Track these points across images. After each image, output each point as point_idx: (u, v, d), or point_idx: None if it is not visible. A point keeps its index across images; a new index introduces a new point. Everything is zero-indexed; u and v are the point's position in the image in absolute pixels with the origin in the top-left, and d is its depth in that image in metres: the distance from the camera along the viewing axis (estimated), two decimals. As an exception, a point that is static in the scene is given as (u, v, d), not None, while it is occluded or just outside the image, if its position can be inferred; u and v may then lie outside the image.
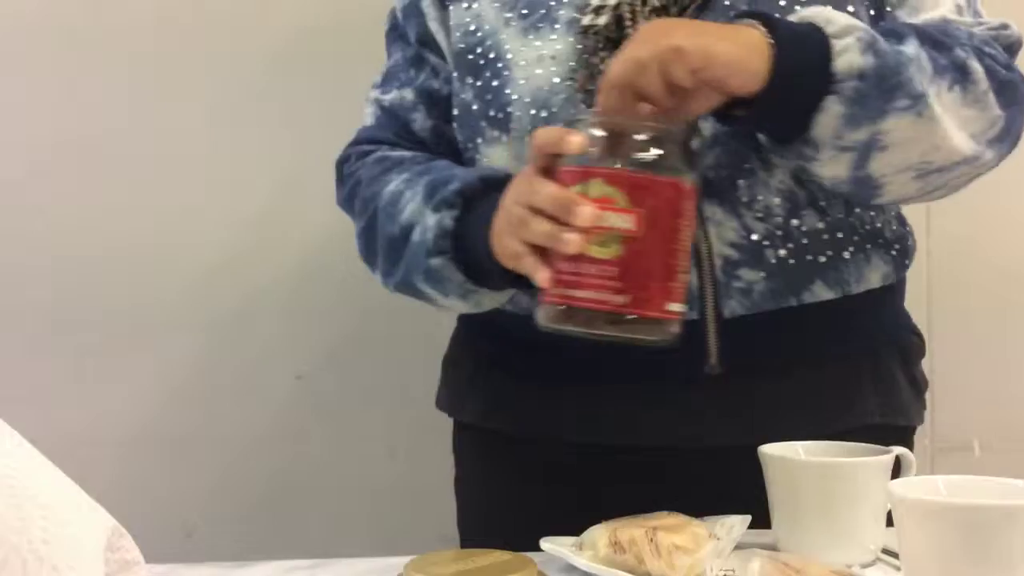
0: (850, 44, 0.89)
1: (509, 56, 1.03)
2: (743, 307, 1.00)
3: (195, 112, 1.54)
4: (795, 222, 1.00)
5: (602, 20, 0.99)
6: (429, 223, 1.00)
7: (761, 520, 0.92)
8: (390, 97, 1.14)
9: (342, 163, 1.16)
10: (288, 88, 1.54)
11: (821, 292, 1.01)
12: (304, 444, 1.57)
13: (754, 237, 0.99)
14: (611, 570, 0.85)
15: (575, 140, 0.85)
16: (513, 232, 0.89)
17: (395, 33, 1.15)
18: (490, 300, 1.03)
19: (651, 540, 0.85)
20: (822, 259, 1.01)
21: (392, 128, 1.14)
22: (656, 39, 0.86)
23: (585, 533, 0.91)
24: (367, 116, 1.16)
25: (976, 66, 0.94)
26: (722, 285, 0.99)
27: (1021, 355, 1.60)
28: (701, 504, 0.93)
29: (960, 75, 0.93)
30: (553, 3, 1.03)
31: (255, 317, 1.56)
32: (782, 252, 1.00)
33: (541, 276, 0.86)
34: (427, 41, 1.11)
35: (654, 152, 0.84)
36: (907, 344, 1.12)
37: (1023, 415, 1.58)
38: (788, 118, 0.92)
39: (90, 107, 1.53)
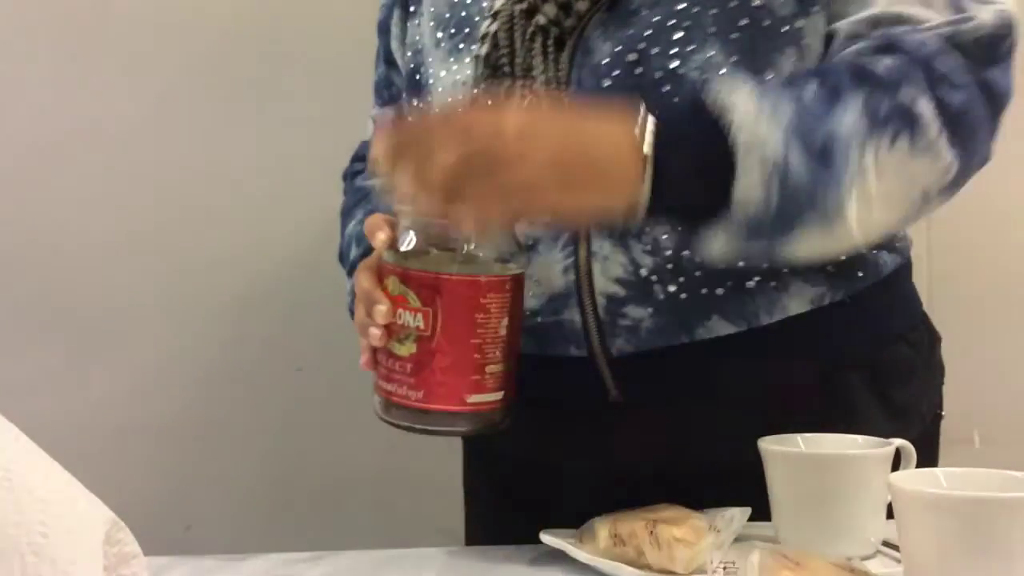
0: (751, 166, 0.79)
1: (431, 80, 1.01)
2: (631, 344, 0.95)
3: (194, 107, 1.54)
4: (686, 254, 0.92)
5: (484, 50, 0.96)
6: (348, 287, 1.03)
7: (761, 512, 0.92)
8: (374, 113, 1.16)
9: (343, 178, 1.19)
10: (290, 85, 1.54)
11: (719, 327, 0.94)
12: (304, 437, 1.57)
13: (642, 272, 0.94)
14: (611, 563, 0.85)
15: (380, 237, 0.85)
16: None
17: (377, 48, 1.15)
18: None
19: (651, 532, 0.84)
20: (719, 291, 0.94)
21: None
22: (513, 165, 0.76)
23: (585, 526, 0.91)
24: (368, 129, 1.18)
25: (924, 108, 0.83)
26: (606, 324, 0.96)
27: (1021, 348, 1.60)
28: None
29: (907, 121, 0.83)
30: (477, 19, 0.99)
31: (255, 310, 1.56)
32: (671, 287, 0.93)
33: (361, 360, 0.88)
34: (391, 61, 1.11)
35: (451, 249, 0.83)
36: (880, 363, 1.01)
37: (1023, 407, 1.59)
38: (679, 224, 0.90)
39: (88, 103, 1.53)
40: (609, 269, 0.95)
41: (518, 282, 0.86)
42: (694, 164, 0.81)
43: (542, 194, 0.78)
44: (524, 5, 0.95)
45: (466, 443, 1.18)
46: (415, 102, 1.04)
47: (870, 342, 1.01)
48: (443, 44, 1.01)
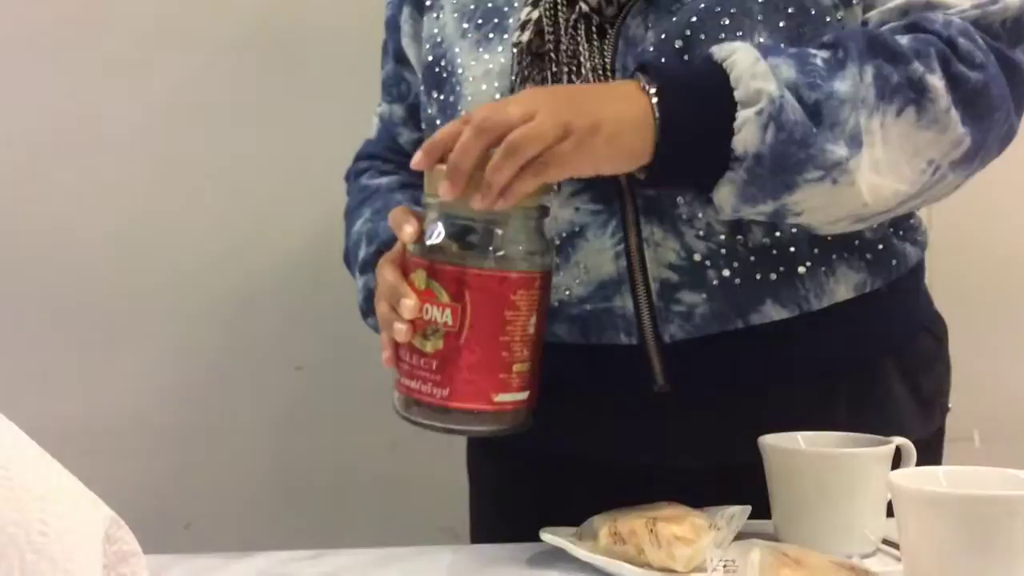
0: (749, 118, 0.82)
1: (460, 71, 1.01)
2: (684, 331, 0.95)
3: (195, 106, 1.54)
4: (739, 238, 0.94)
5: (525, 36, 0.96)
6: (359, 285, 1.03)
7: (761, 510, 0.92)
8: (381, 110, 1.16)
9: (346, 178, 1.18)
10: (292, 84, 1.54)
11: (772, 312, 0.95)
12: (304, 435, 1.57)
13: (696, 257, 0.94)
14: (611, 561, 0.85)
15: (407, 230, 0.84)
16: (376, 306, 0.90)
17: (385, 45, 1.15)
18: None
19: (651, 531, 0.84)
20: (773, 276, 0.95)
21: (384, 142, 1.15)
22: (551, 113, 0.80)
23: (584, 524, 0.91)
24: (372, 127, 1.18)
25: (935, 82, 0.85)
26: (660, 310, 0.95)
27: (1021, 347, 1.60)
28: None
29: (915, 94, 0.85)
30: (506, 9, 1.00)
31: (255, 309, 1.56)
32: (726, 272, 0.94)
33: (383, 356, 0.88)
34: (402, 58, 1.11)
35: (481, 243, 0.82)
36: (910, 351, 1.05)
37: (1023, 405, 1.59)
38: (687, 186, 0.90)
39: (90, 102, 1.53)
40: (661, 255, 0.95)
41: (547, 280, 0.85)
42: (698, 114, 0.84)
43: (554, 149, 0.80)
44: None
45: (479, 440, 1.17)
46: (436, 94, 1.03)
47: (902, 331, 1.04)
48: (470, 35, 1.01)
